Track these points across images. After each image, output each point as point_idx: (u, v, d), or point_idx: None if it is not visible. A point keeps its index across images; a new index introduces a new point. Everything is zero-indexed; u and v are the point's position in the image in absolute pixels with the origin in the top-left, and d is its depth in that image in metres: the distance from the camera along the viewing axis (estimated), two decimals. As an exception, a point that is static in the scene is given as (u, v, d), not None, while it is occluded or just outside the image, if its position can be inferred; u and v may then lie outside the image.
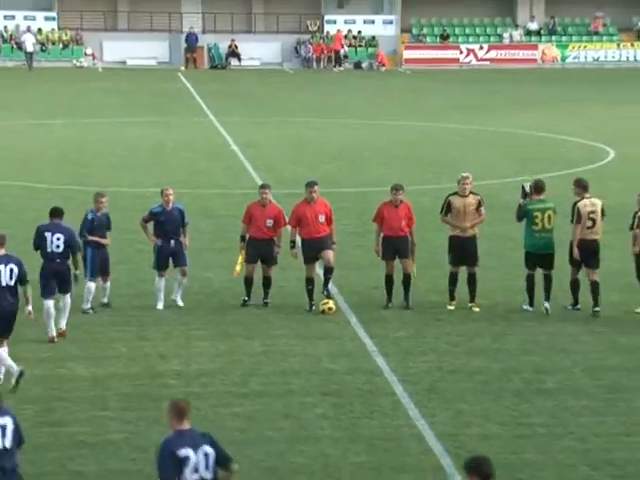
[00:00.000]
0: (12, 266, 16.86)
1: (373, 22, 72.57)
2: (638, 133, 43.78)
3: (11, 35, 68.77)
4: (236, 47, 70.18)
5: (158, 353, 18.49)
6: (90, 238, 20.38)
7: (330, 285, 21.11)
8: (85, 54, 69.45)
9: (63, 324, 19.45)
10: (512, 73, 67.24)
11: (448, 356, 18.51)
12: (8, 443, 11.86)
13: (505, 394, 16.81)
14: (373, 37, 71.89)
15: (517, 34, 73.06)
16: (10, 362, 16.97)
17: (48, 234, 19.27)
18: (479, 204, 20.91)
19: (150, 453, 14.49)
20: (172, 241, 20.86)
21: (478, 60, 71.39)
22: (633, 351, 18.88)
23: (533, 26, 73.65)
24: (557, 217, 20.90)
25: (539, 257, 20.83)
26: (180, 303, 21.00)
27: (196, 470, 10.81)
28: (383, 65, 69.88)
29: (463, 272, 21.02)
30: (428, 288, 21.44)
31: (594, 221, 20.74)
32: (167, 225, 20.86)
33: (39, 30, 69.45)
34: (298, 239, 21.09)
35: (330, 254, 20.81)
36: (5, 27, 69.18)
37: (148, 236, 21.16)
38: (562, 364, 18.19)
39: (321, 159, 36.65)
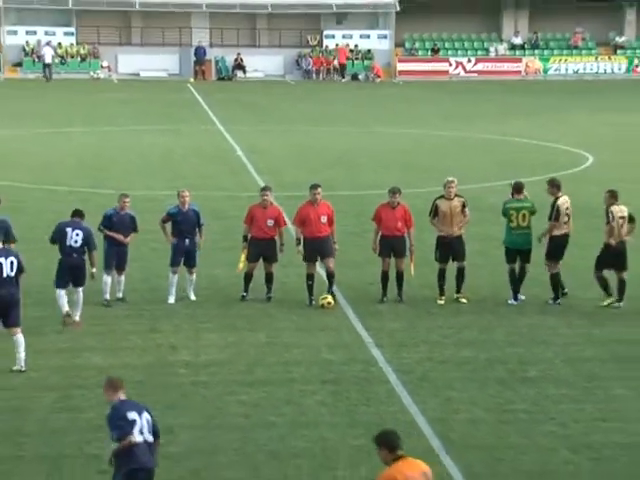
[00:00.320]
0: (12, 259, 17.14)
1: (369, 37, 72.56)
2: (615, 140, 43.83)
3: (32, 49, 68.75)
4: (241, 60, 70.19)
5: (169, 344, 18.51)
6: (107, 232, 20.53)
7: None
8: (101, 66, 69.47)
9: (77, 316, 19.52)
10: (498, 84, 67.24)
11: (438, 347, 18.54)
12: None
13: (491, 382, 16.84)
14: (369, 51, 71.91)
15: (502, 48, 73.09)
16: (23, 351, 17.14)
17: (68, 229, 19.49)
18: (463, 206, 21.04)
19: (163, 436, 14.56)
20: (187, 240, 20.94)
21: (466, 72, 71.39)
22: (608, 343, 18.92)
23: (517, 41, 73.66)
24: (532, 216, 21.01)
25: (517, 252, 21.02)
26: (192, 297, 21.05)
27: (141, 432, 11.30)
28: (378, 77, 69.89)
29: (452, 268, 21.09)
30: (421, 284, 21.47)
31: (569, 217, 20.93)
32: (183, 225, 20.94)
33: (59, 44, 69.45)
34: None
35: (331, 262, 20.85)
36: (27, 42, 69.17)
37: (166, 236, 21.22)
38: (543, 355, 18.22)
39: (321, 164, 36.65)
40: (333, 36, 72.23)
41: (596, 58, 73.04)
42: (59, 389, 16.39)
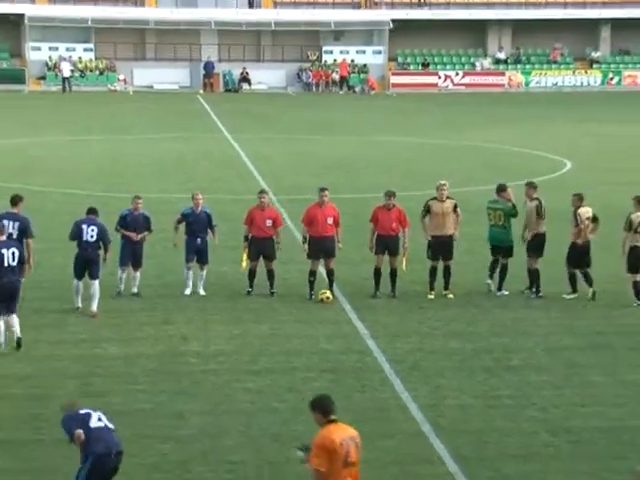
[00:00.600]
0: (13, 249, 17.30)
1: (364, 52, 72.52)
2: (591, 147, 43.83)
3: (54, 64, 68.72)
4: (247, 73, 70.16)
5: (181, 335, 18.49)
6: (122, 232, 20.58)
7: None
8: (118, 80, 69.43)
9: (94, 307, 19.57)
10: (483, 96, 67.22)
11: (429, 338, 18.52)
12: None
13: (477, 371, 16.82)
14: (364, 65, 71.87)
15: (487, 63, 73.07)
16: (17, 329, 17.36)
17: (84, 226, 19.70)
18: (455, 207, 21.06)
19: (174, 421, 14.56)
20: (198, 239, 20.98)
21: (454, 85, 71.35)
22: (585, 333, 18.92)
23: (501, 56, 73.65)
24: (511, 217, 21.13)
25: (497, 248, 21.23)
26: (202, 292, 21.04)
27: (100, 420, 11.45)
28: (373, 89, 69.84)
29: (441, 266, 21.10)
30: (412, 280, 21.44)
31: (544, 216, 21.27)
32: (195, 225, 20.98)
33: (79, 59, 69.49)
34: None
35: (332, 261, 20.85)
36: (50, 57, 69.15)
37: (175, 237, 21.21)
38: (525, 345, 18.21)
39: (320, 170, 36.63)
40: (331, 52, 72.22)
41: (573, 72, 73.02)
42: (79, 377, 16.37)
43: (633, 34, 73.66)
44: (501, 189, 21.50)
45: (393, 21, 70.53)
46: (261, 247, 20.87)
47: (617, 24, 73.37)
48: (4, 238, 17.61)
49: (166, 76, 69.60)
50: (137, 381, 16.25)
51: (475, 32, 73.71)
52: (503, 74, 72.46)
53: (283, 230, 21.82)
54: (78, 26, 69.05)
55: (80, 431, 11.27)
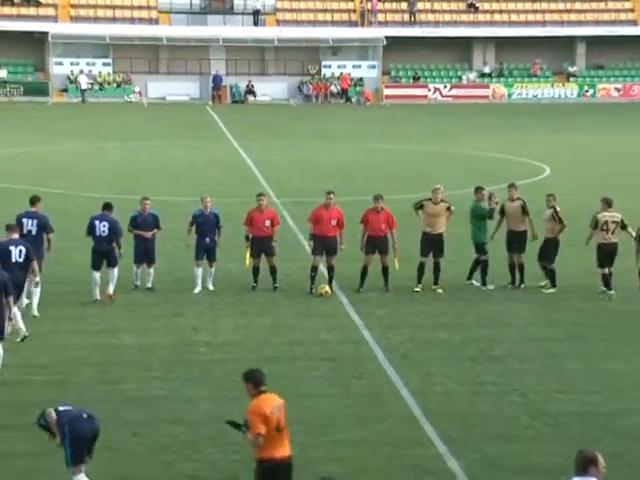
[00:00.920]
0: (21, 247, 17.38)
1: (360, 66, 72.47)
2: (568, 154, 43.80)
3: (76, 77, 68.70)
4: (252, 86, 70.11)
5: (191, 327, 18.46)
6: (134, 232, 20.62)
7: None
8: (134, 92, 69.40)
9: (111, 289, 19.79)
10: (469, 107, 67.19)
11: (419, 329, 18.50)
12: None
13: (464, 359, 16.79)
14: (360, 78, 71.81)
15: (473, 76, 73.03)
16: (21, 324, 17.30)
17: (97, 222, 19.92)
18: (448, 209, 21.04)
19: (185, 405, 14.53)
20: (207, 238, 20.97)
21: (443, 96, 71.30)
22: (563, 324, 18.89)
23: (486, 70, 73.61)
24: (486, 218, 21.23)
25: (476, 245, 21.31)
26: (211, 287, 21.01)
27: (73, 406, 11.73)
28: (368, 100, 69.79)
29: (430, 262, 21.06)
30: (404, 276, 21.38)
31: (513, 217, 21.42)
32: (204, 226, 20.97)
33: (99, 73, 69.52)
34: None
35: (334, 259, 20.80)
36: (71, 71, 69.12)
37: (188, 238, 21.19)
38: (508, 335, 18.18)
39: (320, 174, 36.58)
40: (330, 66, 72.19)
41: (552, 85, 72.99)
42: (97, 365, 16.34)
43: (606, 50, 73.69)
44: (475, 191, 21.56)
45: (386, 38, 70.52)
46: (262, 246, 20.86)
47: (592, 41, 73.38)
48: (16, 236, 17.72)
49: (178, 88, 69.60)
50: (151, 369, 16.21)
51: (461, 48, 73.71)
52: (487, 87, 72.44)
53: (284, 230, 21.80)
54: (97, 43, 69.06)
55: (50, 409, 11.47)
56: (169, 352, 17.01)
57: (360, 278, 20.87)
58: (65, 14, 70.49)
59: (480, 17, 73.89)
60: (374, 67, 72.50)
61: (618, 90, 72.73)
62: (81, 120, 56.38)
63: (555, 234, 20.94)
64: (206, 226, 20.99)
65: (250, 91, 70.16)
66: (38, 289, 18.52)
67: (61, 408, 11.60)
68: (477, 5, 74.01)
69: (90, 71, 68.66)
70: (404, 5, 73.38)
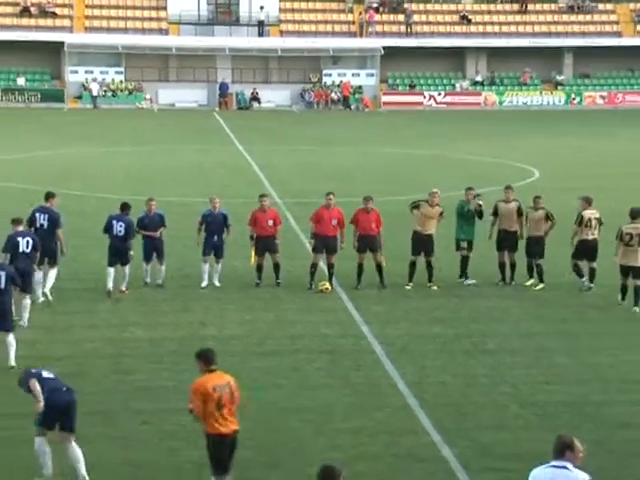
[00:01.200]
0: (28, 239, 17.67)
1: (359, 75, 72.37)
2: (556, 158, 43.72)
3: (88, 85, 68.66)
4: (257, 93, 70.05)
5: (199, 321, 18.45)
6: (142, 232, 20.62)
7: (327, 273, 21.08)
8: (144, 99, 69.30)
9: (123, 286, 19.94)
10: (462, 113, 67.13)
11: (415, 324, 18.47)
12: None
13: (457, 353, 16.77)
14: (359, 86, 71.72)
15: (466, 84, 72.94)
16: (27, 311, 17.60)
17: (114, 222, 20.06)
18: (441, 213, 21.03)
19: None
20: (215, 237, 20.94)
21: (437, 103, 71.20)
22: (552, 320, 18.86)
23: (478, 78, 73.52)
24: (475, 217, 21.27)
25: (464, 242, 21.29)
26: (217, 284, 20.99)
27: (49, 373, 11.90)
28: (367, 107, 69.72)
29: (422, 261, 21.03)
30: (400, 274, 21.35)
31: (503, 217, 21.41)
32: (212, 225, 20.97)
33: (112, 80, 69.50)
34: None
35: (334, 257, 20.76)
36: (86, 79, 69.06)
37: (198, 237, 21.18)
38: (500, 330, 18.16)
39: (321, 177, 36.53)
40: (330, 74, 72.09)
41: (541, 92, 72.90)
42: (110, 357, 16.32)
43: (592, 60, 73.64)
44: (466, 191, 21.56)
45: (384, 48, 70.46)
46: (265, 244, 20.85)
47: (578, 52, 73.34)
48: (21, 228, 18.08)
49: (186, 96, 69.54)
50: (161, 361, 16.20)
51: (455, 58, 73.66)
52: (479, 94, 72.36)
53: (287, 230, 21.77)
54: (110, 52, 69.01)
55: (34, 380, 11.63)
56: (178, 345, 16.99)
57: (357, 275, 20.84)
58: (80, 25, 70.48)
59: (473, 28, 73.83)
60: (372, 75, 72.43)
61: (603, 98, 72.67)
62: (95, 125, 56.34)
63: (545, 232, 20.95)
64: (214, 225, 20.99)
65: (255, 98, 70.10)
66: (54, 273, 19.17)
67: (45, 375, 11.78)
68: (470, 17, 73.97)
69: (104, 79, 68.68)
70: (401, 17, 73.36)
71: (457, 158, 43.39)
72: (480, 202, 21.20)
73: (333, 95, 70.88)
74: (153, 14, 72.07)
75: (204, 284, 20.83)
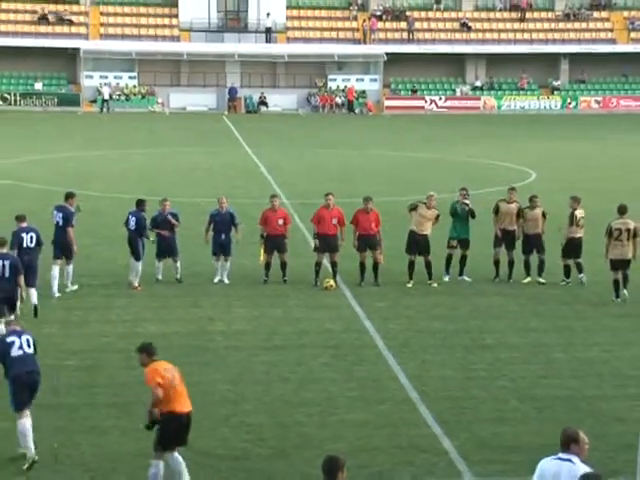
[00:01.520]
0: (32, 234, 17.79)
1: (363, 80, 72.36)
2: (552, 161, 43.65)
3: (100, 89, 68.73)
4: (265, 97, 70.05)
5: (208, 317, 18.41)
6: (155, 231, 20.68)
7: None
8: (157, 102, 69.34)
9: (135, 282, 19.92)
10: (462, 117, 67.07)
11: (416, 320, 18.41)
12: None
13: (457, 348, 16.71)
14: (363, 91, 71.72)
15: (466, 89, 72.89)
16: (35, 300, 17.83)
17: (130, 216, 20.42)
18: (437, 217, 20.96)
19: (201, 387, 14.46)
20: (222, 235, 20.91)
21: (438, 107, 71.14)
22: (549, 317, 18.80)
23: (477, 83, 73.47)
24: (469, 217, 21.24)
25: (458, 240, 21.28)
26: (226, 281, 20.95)
27: (20, 347, 11.95)
28: (370, 111, 69.70)
29: (421, 261, 20.97)
30: (401, 272, 21.29)
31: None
32: (220, 224, 20.94)
33: (126, 85, 69.56)
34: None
35: (336, 255, 20.72)
36: (100, 84, 69.08)
37: (206, 236, 21.16)
38: (498, 326, 18.10)
39: (326, 178, 36.46)
40: (335, 79, 72.09)
41: (538, 97, 72.84)
42: (123, 351, 16.27)
43: (588, 66, 73.58)
44: (460, 191, 21.55)
45: (387, 54, 70.44)
46: (275, 243, 20.81)
47: (574, 58, 73.27)
48: (24, 224, 18.20)
49: (197, 100, 69.59)
50: (171, 355, 16.10)
51: (455, 64, 73.62)
52: (479, 99, 72.30)
53: (293, 229, 21.72)
54: (124, 58, 69.07)
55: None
56: (187, 339, 16.97)
57: (360, 273, 20.79)
58: (95, 32, 70.54)
59: (472, 35, 73.76)
60: (376, 80, 72.39)
61: (598, 102, 72.57)
62: (109, 128, 56.36)
63: (542, 229, 21.03)
64: (222, 224, 20.97)
65: (263, 102, 70.10)
66: (71, 268, 19.50)
67: (14, 353, 11.85)
68: (470, 24, 73.91)
69: (118, 83, 68.81)
70: (403, 24, 73.32)
71: (457, 161, 43.32)
72: (467, 201, 21.20)
73: (338, 99, 70.87)
74: (166, 21, 72.11)
75: (216, 279, 20.86)
